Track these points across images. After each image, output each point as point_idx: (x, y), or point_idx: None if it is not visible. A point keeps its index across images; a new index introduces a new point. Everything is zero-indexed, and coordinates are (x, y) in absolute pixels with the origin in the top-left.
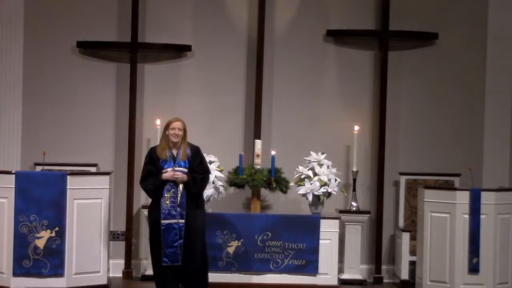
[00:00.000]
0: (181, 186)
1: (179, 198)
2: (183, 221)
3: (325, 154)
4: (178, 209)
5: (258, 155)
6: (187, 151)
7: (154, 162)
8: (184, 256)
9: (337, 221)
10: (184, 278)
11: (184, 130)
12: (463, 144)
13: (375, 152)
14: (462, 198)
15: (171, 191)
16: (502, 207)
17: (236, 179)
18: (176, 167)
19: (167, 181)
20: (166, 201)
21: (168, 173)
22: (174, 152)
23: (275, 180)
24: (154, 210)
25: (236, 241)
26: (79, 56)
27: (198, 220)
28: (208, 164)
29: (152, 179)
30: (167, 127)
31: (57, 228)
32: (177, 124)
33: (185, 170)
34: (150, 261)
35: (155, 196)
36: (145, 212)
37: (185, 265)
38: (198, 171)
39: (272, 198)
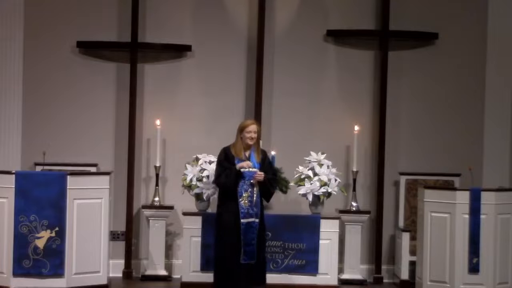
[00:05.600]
0: (256, 186)
1: (255, 198)
2: (258, 220)
3: (325, 154)
4: (255, 208)
5: None
6: (260, 153)
7: (229, 160)
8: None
9: (337, 221)
10: (251, 275)
11: (259, 133)
12: (463, 144)
13: (375, 152)
14: (462, 198)
15: (249, 190)
16: (502, 207)
17: None
18: (252, 168)
19: (242, 178)
20: (245, 201)
21: (247, 163)
22: (247, 153)
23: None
24: (228, 209)
25: None
26: (79, 56)
27: (264, 219)
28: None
29: (226, 173)
30: (242, 129)
31: (57, 228)
32: (252, 128)
33: (258, 170)
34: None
35: (231, 191)
36: (145, 212)
37: (256, 263)
38: (268, 172)
39: (272, 198)
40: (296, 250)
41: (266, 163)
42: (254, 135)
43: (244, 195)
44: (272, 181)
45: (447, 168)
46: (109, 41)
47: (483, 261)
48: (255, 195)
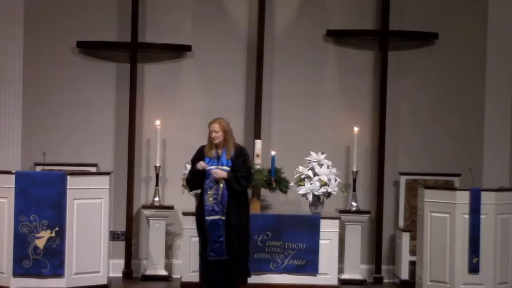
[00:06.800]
0: (222, 184)
1: (220, 196)
2: (224, 217)
3: (325, 154)
4: (220, 206)
5: (258, 155)
6: (231, 151)
7: (200, 158)
8: (228, 251)
9: (337, 221)
10: (229, 272)
11: (224, 131)
12: (463, 144)
13: (375, 152)
14: (462, 198)
15: (213, 188)
16: (502, 207)
17: None
18: (219, 165)
19: (207, 175)
20: (210, 198)
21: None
22: (219, 151)
23: (275, 180)
24: (198, 206)
25: None
26: (79, 56)
27: (238, 218)
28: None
29: (191, 171)
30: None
31: (57, 228)
32: (212, 126)
33: (227, 168)
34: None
35: (194, 188)
36: (145, 212)
37: (234, 260)
38: (239, 170)
39: (272, 198)
40: (296, 250)
41: (238, 161)
42: (215, 134)
43: (209, 192)
44: (240, 178)
45: (447, 168)
46: (109, 41)
47: (483, 261)
48: (220, 192)
